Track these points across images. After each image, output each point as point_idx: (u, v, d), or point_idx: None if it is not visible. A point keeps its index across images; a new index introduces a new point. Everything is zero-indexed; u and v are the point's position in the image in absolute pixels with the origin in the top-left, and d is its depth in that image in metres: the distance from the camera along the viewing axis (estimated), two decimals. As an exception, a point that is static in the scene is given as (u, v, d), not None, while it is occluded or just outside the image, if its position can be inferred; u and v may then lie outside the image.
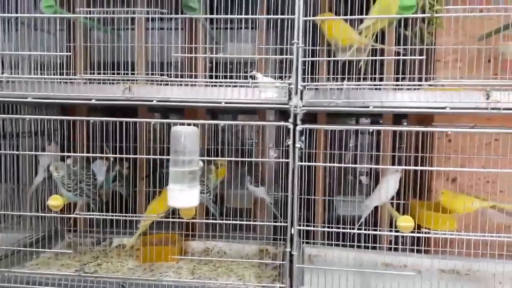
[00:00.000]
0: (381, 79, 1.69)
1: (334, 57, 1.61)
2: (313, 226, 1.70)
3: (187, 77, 1.68)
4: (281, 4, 1.63)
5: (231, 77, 1.61)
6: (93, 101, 1.25)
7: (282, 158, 1.89)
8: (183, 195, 1.17)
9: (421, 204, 1.59)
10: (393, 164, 1.74)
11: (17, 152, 1.45)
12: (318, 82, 1.65)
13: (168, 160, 1.56)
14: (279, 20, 1.65)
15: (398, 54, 1.55)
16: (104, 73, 1.60)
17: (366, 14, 1.46)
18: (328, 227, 1.61)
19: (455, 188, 1.68)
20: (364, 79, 1.40)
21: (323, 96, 1.20)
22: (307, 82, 1.28)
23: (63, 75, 1.61)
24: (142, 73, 1.75)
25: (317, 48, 1.59)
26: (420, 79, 1.44)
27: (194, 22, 1.65)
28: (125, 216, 1.38)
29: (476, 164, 1.56)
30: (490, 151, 1.59)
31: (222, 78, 1.63)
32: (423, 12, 1.17)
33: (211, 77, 1.72)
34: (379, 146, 1.79)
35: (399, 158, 1.72)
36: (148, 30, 1.78)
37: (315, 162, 1.73)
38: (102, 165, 1.62)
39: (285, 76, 1.47)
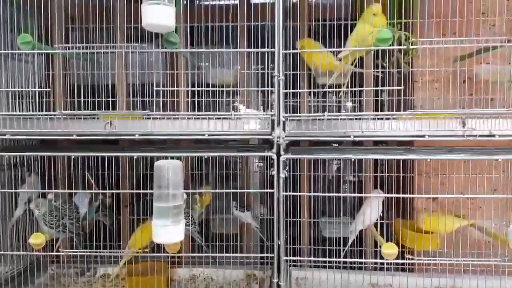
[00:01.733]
0: (360, 102, 1.73)
1: (314, 81, 1.64)
2: (299, 248, 1.71)
3: (169, 102, 1.69)
4: (261, 27, 1.65)
5: (213, 102, 1.63)
6: (74, 137, 1.24)
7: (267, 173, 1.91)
8: (167, 231, 1.16)
9: (404, 223, 1.63)
10: (375, 183, 1.77)
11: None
12: (299, 100, 1.68)
13: (151, 189, 1.56)
14: (259, 41, 1.68)
15: (376, 77, 1.60)
16: (84, 101, 1.60)
17: (345, 37, 1.51)
18: (315, 249, 1.62)
19: (436, 205, 1.72)
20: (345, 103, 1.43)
21: (305, 126, 1.22)
22: (289, 99, 1.29)
23: (41, 104, 1.61)
24: (122, 98, 1.74)
25: (298, 72, 1.61)
26: (398, 103, 1.48)
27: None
28: (110, 252, 1.35)
29: (456, 181, 1.61)
30: (469, 169, 1.64)
31: (204, 103, 1.65)
32: (399, 44, 1.20)
33: (193, 102, 1.72)
34: (362, 162, 1.81)
35: (381, 177, 1.76)
36: (128, 53, 1.77)
37: (299, 182, 1.75)
38: (84, 197, 1.60)
39: (267, 106, 1.49)
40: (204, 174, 1.80)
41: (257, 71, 1.65)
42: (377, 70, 1.56)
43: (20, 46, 1.25)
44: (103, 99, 1.52)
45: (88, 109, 1.59)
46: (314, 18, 1.74)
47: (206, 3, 1.73)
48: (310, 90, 1.45)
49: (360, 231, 1.61)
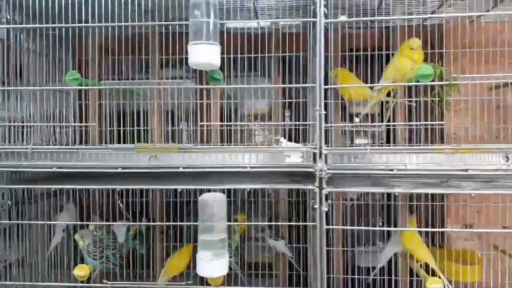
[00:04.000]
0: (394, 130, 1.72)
1: (347, 110, 1.66)
2: (333, 277, 1.69)
3: (203, 131, 1.71)
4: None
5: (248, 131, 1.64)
6: (119, 170, 1.27)
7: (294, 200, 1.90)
8: (212, 265, 1.17)
9: (441, 252, 1.60)
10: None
11: (40, 222, 1.44)
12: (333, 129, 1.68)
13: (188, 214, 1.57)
14: (286, 67, 1.70)
15: (409, 106, 1.61)
16: (118, 130, 1.63)
17: (375, 66, 1.53)
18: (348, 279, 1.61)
19: (471, 234, 1.70)
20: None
21: (347, 157, 1.23)
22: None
23: (75, 133, 1.66)
24: (158, 127, 1.77)
25: (331, 101, 1.63)
26: (432, 131, 1.49)
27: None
28: (152, 285, 1.37)
29: (493, 210, 1.59)
30: (506, 197, 1.61)
31: (238, 131, 1.66)
32: (440, 78, 1.21)
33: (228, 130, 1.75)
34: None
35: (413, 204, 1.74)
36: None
37: (332, 209, 1.75)
38: (123, 226, 1.62)
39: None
40: (234, 201, 1.80)
41: (290, 100, 1.67)
42: (409, 99, 1.59)
43: (68, 82, 1.30)
44: (140, 127, 1.56)
45: (122, 137, 1.64)
46: (345, 47, 1.77)
47: (241, 30, 1.75)
48: (352, 124, 1.47)
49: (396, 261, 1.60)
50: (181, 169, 1.26)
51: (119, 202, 1.84)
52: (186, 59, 1.55)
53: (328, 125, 1.22)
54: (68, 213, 1.67)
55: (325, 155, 1.21)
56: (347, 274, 1.64)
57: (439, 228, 1.67)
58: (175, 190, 1.81)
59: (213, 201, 1.18)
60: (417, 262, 1.37)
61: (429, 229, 1.37)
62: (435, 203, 1.69)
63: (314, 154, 1.22)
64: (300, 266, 1.72)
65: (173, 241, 1.74)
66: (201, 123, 1.40)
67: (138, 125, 1.65)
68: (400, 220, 1.62)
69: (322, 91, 1.20)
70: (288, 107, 1.96)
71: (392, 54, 1.65)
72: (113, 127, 1.61)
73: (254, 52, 1.64)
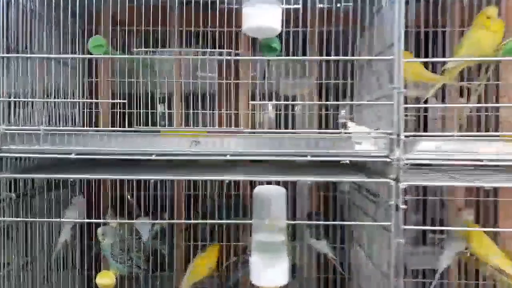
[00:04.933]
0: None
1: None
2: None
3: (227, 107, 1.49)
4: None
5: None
6: (153, 157, 1.05)
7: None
8: (269, 272, 0.97)
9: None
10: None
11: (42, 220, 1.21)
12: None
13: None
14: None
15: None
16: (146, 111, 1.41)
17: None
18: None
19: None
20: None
21: (426, 146, 1.05)
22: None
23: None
24: (179, 108, 1.56)
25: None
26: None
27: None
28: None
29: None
30: None
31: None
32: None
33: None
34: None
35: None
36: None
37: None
38: (147, 223, 1.39)
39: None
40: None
41: (336, 81, 1.48)
42: (468, 83, 1.42)
43: (91, 50, 1.06)
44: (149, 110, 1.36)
45: (141, 121, 1.42)
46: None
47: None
48: (423, 105, 1.28)
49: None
50: (228, 157, 1.05)
51: (128, 195, 1.62)
52: (207, 33, 1.38)
53: (407, 105, 1.03)
54: (77, 208, 1.44)
55: (404, 142, 1.02)
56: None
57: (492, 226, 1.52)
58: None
59: (272, 195, 0.98)
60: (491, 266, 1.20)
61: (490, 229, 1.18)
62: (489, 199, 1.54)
63: (391, 140, 1.03)
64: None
65: (197, 240, 1.53)
66: (252, 102, 1.17)
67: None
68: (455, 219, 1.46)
69: (401, 64, 1.01)
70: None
71: (443, 31, 1.50)
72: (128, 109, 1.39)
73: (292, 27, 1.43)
